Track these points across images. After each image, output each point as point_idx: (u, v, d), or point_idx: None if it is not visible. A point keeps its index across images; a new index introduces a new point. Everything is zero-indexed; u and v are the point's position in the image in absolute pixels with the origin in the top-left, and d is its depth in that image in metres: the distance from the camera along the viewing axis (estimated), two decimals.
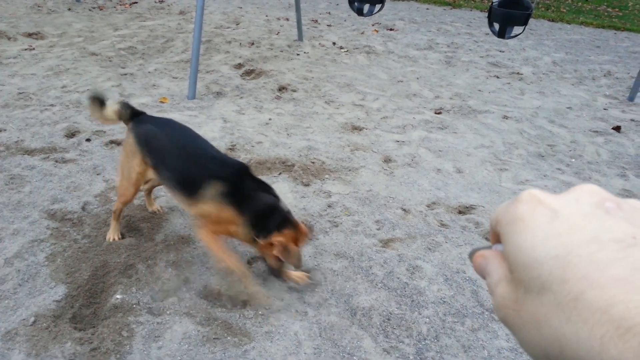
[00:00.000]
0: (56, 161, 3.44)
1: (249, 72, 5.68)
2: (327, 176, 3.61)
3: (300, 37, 6.81)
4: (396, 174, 3.68)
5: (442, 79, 5.80)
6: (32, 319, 2.19)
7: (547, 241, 0.33)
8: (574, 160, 4.13)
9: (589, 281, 0.30)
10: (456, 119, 4.74)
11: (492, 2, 4.47)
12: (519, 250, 0.35)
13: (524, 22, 4.31)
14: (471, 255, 0.46)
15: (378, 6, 4.78)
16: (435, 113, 4.84)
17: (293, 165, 3.69)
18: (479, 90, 5.52)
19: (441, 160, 3.94)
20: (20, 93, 4.57)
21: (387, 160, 3.88)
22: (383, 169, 3.74)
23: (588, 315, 0.30)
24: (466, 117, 4.82)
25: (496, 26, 4.46)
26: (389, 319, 2.36)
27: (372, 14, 4.90)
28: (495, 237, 0.43)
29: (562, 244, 0.33)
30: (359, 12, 4.80)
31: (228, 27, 7.42)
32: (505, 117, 4.85)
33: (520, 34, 4.55)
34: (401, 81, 5.63)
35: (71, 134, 3.85)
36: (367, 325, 2.31)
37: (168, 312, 2.30)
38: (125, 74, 5.26)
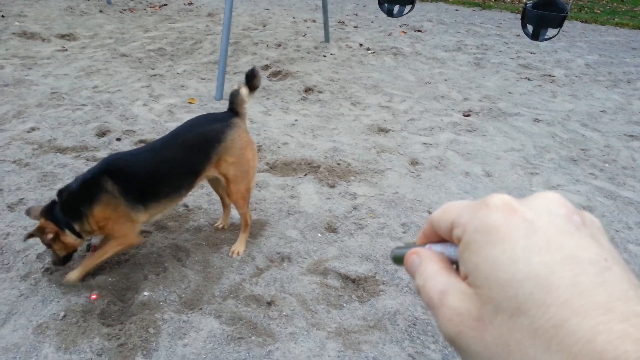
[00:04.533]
0: (87, 160, 3.51)
1: (275, 74, 5.70)
2: (352, 178, 3.59)
3: (327, 39, 6.80)
4: (423, 176, 3.63)
5: (471, 80, 5.71)
6: (62, 313, 2.23)
7: (527, 258, 0.30)
8: (607, 165, 4.01)
9: (571, 307, 0.28)
10: (485, 122, 4.66)
11: (526, 4, 4.38)
12: (494, 264, 0.31)
13: (558, 25, 4.20)
14: (397, 254, 0.42)
15: (408, 7, 4.74)
16: (464, 115, 4.77)
17: (319, 167, 3.68)
18: (509, 93, 5.41)
19: (470, 164, 3.87)
20: (53, 93, 4.69)
21: (414, 162, 3.83)
22: (410, 172, 3.69)
23: (570, 345, 0.27)
24: (496, 119, 4.73)
25: (530, 28, 4.37)
26: (414, 324, 2.32)
27: (402, 15, 4.86)
28: (433, 236, 0.39)
29: (542, 263, 0.30)
30: (389, 13, 4.77)
31: (255, 29, 7.47)
32: (537, 120, 4.74)
33: (554, 36, 4.44)
34: (429, 83, 5.57)
35: (102, 133, 3.93)
36: (392, 330, 2.28)
37: (194, 311, 2.31)
38: (155, 75, 5.34)
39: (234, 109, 2.56)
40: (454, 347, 0.34)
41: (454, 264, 0.37)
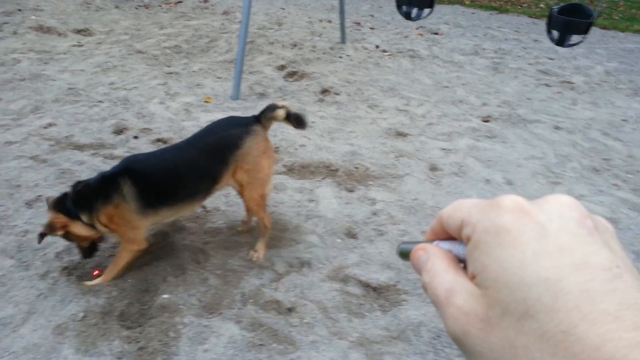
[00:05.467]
0: (105, 157, 3.49)
1: (291, 74, 5.66)
2: (371, 182, 3.54)
3: (343, 40, 6.76)
4: (443, 183, 3.58)
5: (490, 85, 5.65)
6: (82, 314, 2.20)
7: (537, 261, 0.30)
8: (631, 176, 3.93)
9: (581, 314, 0.28)
10: (505, 128, 4.59)
11: (552, 9, 4.31)
12: (503, 266, 0.31)
13: (584, 31, 4.13)
14: (404, 249, 0.41)
15: (427, 11, 4.68)
16: (483, 121, 4.70)
17: (337, 170, 3.64)
18: (529, 99, 5.34)
19: (490, 171, 3.81)
20: (70, 88, 4.68)
21: (433, 168, 3.78)
22: (429, 178, 3.64)
23: (578, 352, 0.27)
24: (515, 126, 4.66)
25: (555, 34, 4.29)
26: (439, 336, 2.27)
27: (419, 19, 4.80)
28: (442, 233, 0.39)
29: (553, 267, 0.30)
30: (407, 16, 4.71)
31: (271, 28, 7.44)
32: (557, 128, 4.67)
33: (579, 42, 4.36)
34: (446, 87, 5.51)
35: (119, 131, 3.91)
36: (416, 342, 2.23)
37: (214, 315, 2.28)
38: (171, 73, 5.32)
39: (260, 118, 2.52)
40: (459, 346, 0.33)
41: (461, 263, 0.37)
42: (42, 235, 2.26)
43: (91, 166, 3.36)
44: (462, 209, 0.37)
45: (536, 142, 4.39)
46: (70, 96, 4.51)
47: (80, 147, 3.62)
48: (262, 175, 2.51)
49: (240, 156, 2.42)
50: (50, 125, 3.94)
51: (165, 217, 2.42)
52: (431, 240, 0.40)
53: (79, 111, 4.22)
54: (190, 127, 4.08)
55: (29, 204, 2.93)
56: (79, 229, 2.26)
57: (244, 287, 2.47)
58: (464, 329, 0.32)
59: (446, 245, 0.38)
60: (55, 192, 3.05)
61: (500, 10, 9.64)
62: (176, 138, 3.85)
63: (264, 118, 2.52)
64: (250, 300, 2.39)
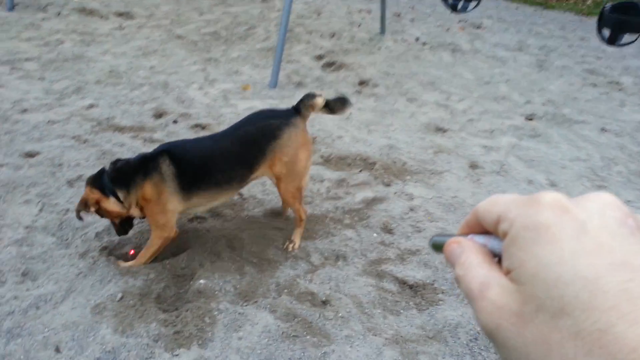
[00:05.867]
0: (145, 140, 3.52)
1: (329, 64, 5.60)
2: (408, 177, 3.47)
3: (382, 31, 6.64)
4: (483, 181, 3.48)
5: (534, 83, 5.46)
6: (120, 294, 2.22)
7: (575, 259, 0.30)
8: None
9: (619, 313, 0.28)
10: (549, 128, 4.43)
11: (604, 7, 4.11)
12: (541, 263, 0.31)
13: (639, 30, 3.93)
14: (437, 241, 0.41)
15: (474, 3, 4.54)
16: (526, 119, 4.55)
17: (374, 164, 3.58)
18: (574, 99, 5.14)
19: (533, 171, 3.69)
20: (111, 71, 4.74)
21: (474, 166, 3.67)
22: (469, 175, 3.54)
23: (614, 351, 0.27)
24: (560, 126, 4.50)
25: (606, 32, 4.10)
26: (476, 339, 2.20)
27: (466, 11, 4.66)
28: (477, 227, 0.39)
29: (591, 265, 0.29)
30: (453, 8, 4.58)
31: (309, 17, 7.37)
32: (604, 130, 4.48)
33: (632, 42, 4.16)
34: (489, 83, 5.35)
35: (159, 115, 3.94)
36: (453, 343, 2.17)
37: (249, 303, 2.27)
38: (210, 59, 5.33)
39: (299, 108, 2.50)
40: (491, 340, 0.33)
41: (495, 257, 0.36)
42: (78, 212, 2.29)
43: (131, 148, 3.39)
44: (499, 203, 0.36)
45: (581, 143, 4.23)
46: (111, 78, 4.57)
47: (120, 129, 3.66)
48: (299, 167, 2.48)
49: (278, 147, 2.40)
50: (92, 106, 4.00)
51: (199, 203, 2.41)
52: (465, 234, 0.40)
53: (120, 93, 4.27)
54: (228, 114, 4.09)
55: (70, 183, 2.98)
56: (111, 205, 2.28)
57: (279, 277, 2.45)
58: (497, 323, 0.32)
59: (481, 239, 0.38)
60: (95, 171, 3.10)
61: (546, 5, 9.31)
62: (214, 124, 3.86)
63: (303, 107, 2.49)
64: (285, 291, 2.37)
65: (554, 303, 0.30)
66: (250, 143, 2.40)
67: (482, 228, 0.38)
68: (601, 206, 0.33)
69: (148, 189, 2.26)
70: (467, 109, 4.67)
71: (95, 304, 2.17)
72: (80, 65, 4.80)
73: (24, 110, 3.78)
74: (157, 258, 2.44)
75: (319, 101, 2.48)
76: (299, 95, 4.67)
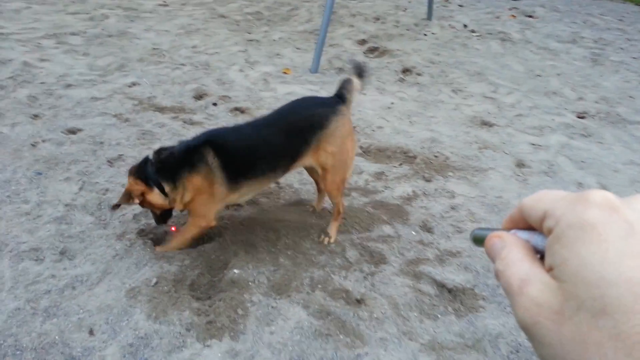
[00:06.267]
0: (184, 122, 3.50)
1: (372, 50, 5.45)
2: (450, 173, 3.35)
3: (429, 16, 6.42)
4: (530, 182, 3.31)
5: (587, 78, 5.18)
6: (154, 280, 2.21)
7: (621, 260, 0.29)
8: None
9: None
10: (602, 127, 4.20)
11: None
12: (584, 262, 0.31)
13: None
14: (478, 234, 0.41)
15: None
16: (578, 117, 4.32)
17: (415, 157, 3.46)
18: (630, 97, 4.85)
19: (583, 173, 3.49)
20: (154, 49, 4.74)
21: (520, 164, 3.51)
22: (515, 174, 3.39)
23: None
24: (614, 126, 4.25)
25: None
26: (517, 351, 2.10)
27: None
28: (521, 223, 0.39)
29: (637, 268, 0.29)
30: None
31: None
32: None
33: None
34: (539, 76, 5.10)
35: (199, 96, 3.91)
36: (493, 354, 2.08)
37: (282, 297, 2.22)
38: (251, 40, 5.27)
39: (342, 95, 2.41)
40: (528, 336, 0.33)
41: (538, 254, 0.36)
42: (116, 206, 2.27)
43: (171, 129, 3.38)
44: (546, 200, 0.36)
45: (636, 145, 3.98)
46: (154, 56, 4.57)
47: (161, 109, 3.65)
48: (346, 158, 2.40)
49: (324, 137, 2.32)
50: (134, 84, 4.01)
51: (245, 193, 2.37)
52: (508, 229, 0.40)
53: (162, 72, 4.26)
54: (268, 98, 4.02)
55: (110, 162, 2.99)
56: (156, 198, 2.25)
57: (313, 271, 2.40)
58: (535, 320, 0.32)
59: (524, 235, 0.38)
60: (136, 152, 3.10)
61: None
62: (253, 108, 3.81)
63: (346, 93, 2.41)
64: (319, 286, 2.32)
65: (595, 303, 0.29)
66: (296, 133, 2.32)
67: (526, 224, 0.38)
68: None
69: (197, 181, 2.21)
70: (516, 103, 4.46)
71: (130, 287, 2.17)
72: (123, 42, 4.82)
73: (68, 86, 3.82)
74: (192, 244, 2.42)
75: (356, 81, 2.42)
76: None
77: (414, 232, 2.76)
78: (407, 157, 3.48)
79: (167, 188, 2.22)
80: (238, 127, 2.39)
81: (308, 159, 2.39)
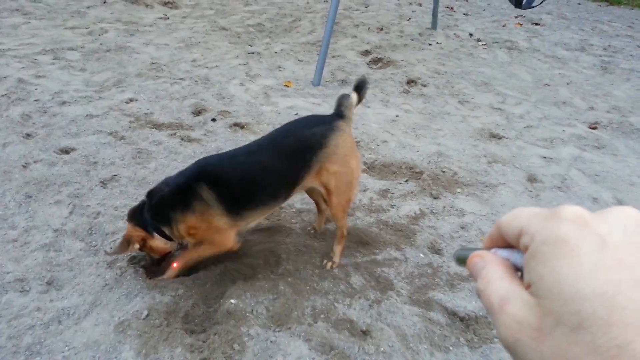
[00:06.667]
0: (182, 139, 3.38)
1: (376, 61, 5.34)
2: (459, 190, 3.20)
3: (433, 25, 6.31)
4: (543, 197, 3.16)
5: (597, 87, 5.03)
6: (146, 312, 2.07)
7: (594, 274, 0.30)
8: None
9: (638, 330, 0.27)
10: (615, 138, 4.04)
11: None
12: (559, 277, 0.31)
13: None
14: (461, 255, 0.42)
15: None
16: (590, 128, 4.17)
17: (421, 173, 3.32)
18: None
19: (597, 187, 3.34)
20: (153, 63, 4.64)
21: (532, 179, 3.36)
22: (527, 190, 3.23)
23: None
24: (628, 136, 4.09)
25: None
26: None
27: (530, 7, 4.30)
28: (501, 241, 0.39)
29: (610, 281, 0.29)
30: (517, 4, 4.22)
31: (357, 10, 7.10)
32: None
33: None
34: (548, 85, 4.96)
35: (198, 112, 3.80)
36: None
37: (282, 329, 2.08)
38: (253, 53, 5.17)
39: (341, 112, 2.27)
40: (510, 353, 0.33)
41: (518, 271, 0.37)
42: (115, 253, 2.16)
43: (168, 147, 3.26)
44: (521, 217, 0.37)
45: None
46: (153, 71, 4.47)
47: (158, 126, 3.54)
48: (351, 178, 2.26)
49: (325, 156, 2.18)
50: (131, 100, 3.90)
51: (251, 221, 2.23)
52: (489, 248, 0.40)
53: (161, 87, 4.16)
54: (268, 112, 3.90)
55: (103, 183, 2.87)
56: (157, 243, 2.13)
57: (315, 299, 2.25)
58: (516, 337, 0.32)
59: (504, 253, 0.38)
60: (130, 172, 2.98)
61: (611, 2, 8.67)
62: (254, 123, 3.69)
63: (344, 109, 2.28)
64: (322, 316, 2.17)
65: (572, 318, 0.29)
66: (295, 156, 2.18)
67: (506, 242, 0.39)
68: (624, 220, 0.32)
69: (192, 220, 2.08)
70: (525, 113, 4.32)
71: (120, 321, 2.03)
72: (122, 57, 4.73)
73: (63, 103, 3.72)
74: (189, 274, 2.29)
75: (354, 97, 2.30)
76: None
77: (422, 255, 2.61)
78: (413, 172, 3.34)
79: (166, 230, 2.10)
80: (232, 153, 2.23)
81: (310, 182, 2.25)
